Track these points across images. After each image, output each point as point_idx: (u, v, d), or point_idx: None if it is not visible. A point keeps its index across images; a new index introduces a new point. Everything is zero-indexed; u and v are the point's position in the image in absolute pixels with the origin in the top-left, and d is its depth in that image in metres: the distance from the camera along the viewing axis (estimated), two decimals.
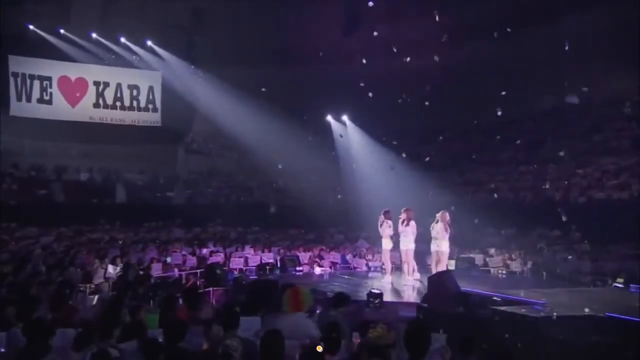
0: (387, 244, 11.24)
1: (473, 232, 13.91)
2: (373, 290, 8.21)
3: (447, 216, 10.80)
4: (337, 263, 12.98)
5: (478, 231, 14.35)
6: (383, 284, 10.70)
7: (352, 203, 18.71)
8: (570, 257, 11.28)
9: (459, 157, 19.86)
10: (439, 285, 7.96)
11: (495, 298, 7.91)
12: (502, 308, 7.11)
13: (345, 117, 22.15)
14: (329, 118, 22.33)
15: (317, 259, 12.78)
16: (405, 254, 11.08)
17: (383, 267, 12.04)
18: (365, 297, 8.10)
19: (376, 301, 7.90)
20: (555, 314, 6.52)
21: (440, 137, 20.56)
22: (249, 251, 12.72)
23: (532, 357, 5.09)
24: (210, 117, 21.14)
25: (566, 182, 15.37)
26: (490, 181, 17.95)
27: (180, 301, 5.68)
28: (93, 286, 8.92)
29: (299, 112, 20.48)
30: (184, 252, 12.11)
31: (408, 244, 10.97)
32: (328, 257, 13.34)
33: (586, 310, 6.85)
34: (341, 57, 20.94)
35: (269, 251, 12.84)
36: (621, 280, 8.80)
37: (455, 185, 18.06)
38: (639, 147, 15.40)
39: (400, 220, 11.09)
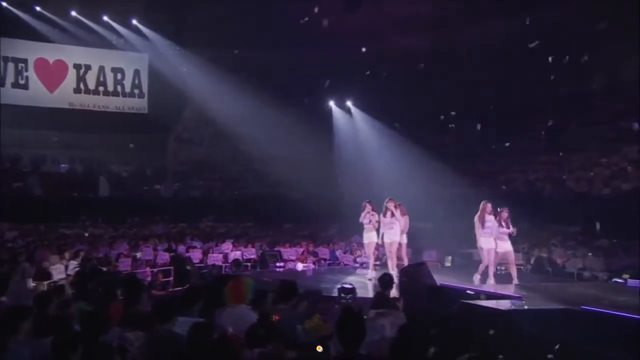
0: (371, 237, 11.09)
1: None
2: (345, 286, 8.18)
3: (487, 207, 10.18)
4: (325, 259, 13.00)
5: None
6: (364, 280, 10.64)
7: (352, 196, 18.80)
8: (575, 252, 11.21)
9: (474, 145, 19.68)
10: (410, 279, 8.03)
11: (468, 292, 8.17)
12: (472, 302, 7.30)
13: (349, 103, 22.14)
14: (332, 104, 22.29)
15: (302, 255, 12.83)
16: (390, 247, 10.89)
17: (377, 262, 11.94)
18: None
19: (348, 297, 7.87)
20: (526, 306, 6.68)
21: (453, 125, 20.45)
22: (228, 247, 12.78)
23: (501, 351, 5.11)
24: (202, 103, 21.11)
25: (591, 173, 15.16)
26: (506, 171, 17.78)
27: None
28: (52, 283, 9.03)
29: (299, 98, 20.42)
30: (159, 248, 12.20)
31: (393, 236, 10.80)
32: (318, 253, 13.36)
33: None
34: (345, 36, 20.86)
35: (252, 247, 12.91)
36: (627, 276, 8.80)
37: (469, 176, 17.90)
38: None
39: (383, 212, 10.90)
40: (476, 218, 10.18)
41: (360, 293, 8.94)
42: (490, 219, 10.08)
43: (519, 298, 7.86)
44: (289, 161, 21.16)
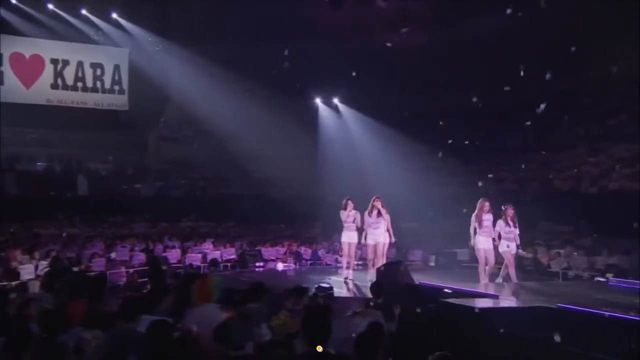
0: (352, 237, 10.82)
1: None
2: (322, 284, 8.19)
3: (485, 205, 10.04)
4: (307, 259, 12.98)
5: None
6: (342, 280, 10.62)
7: (338, 195, 18.80)
8: (562, 252, 11.32)
9: (462, 143, 19.68)
10: (388, 278, 8.02)
11: (446, 290, 8.17)
12: (449, 300, 7.38)
13: (336, 100, 22.14)
14: (318, 101, 22.26)
15: (283, 255, 12.83)
16: (374, 248, 10.64)
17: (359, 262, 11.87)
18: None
19: (327, 295, 7.87)
20: (502, 304, 6.74)
21: (441, 122, 20.46)
22: (207, 246, 12.73)
23: (474, 348, 5.18)
24: (185, 100, 21.05)
25: (575, 171, 15.27)
26: (494, 170, 17.86)
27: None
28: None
29: (286, 95, 20.27)
30: (137, 248, 12.11)
31: (378, 237, 10.61)
32: (301, 252, 13.35)
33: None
34: (332, 33, 20.86)
35: (232, 246, 12.88)
36: (610, 275, 8.91)
37: (457, 176, 17.92)
38: None
39: (369, 211, 10.63)
40: (473, 216, 10.00)
41: (342, 293, 9.00)
42: (488, 218, 9.91)
43: (495, 296, 7.94)
44: (274, 160, 21.18)
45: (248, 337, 4.47)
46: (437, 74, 19.67)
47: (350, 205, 11.02)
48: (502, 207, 10.05)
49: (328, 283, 8.58)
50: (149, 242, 12.98)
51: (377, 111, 20.29)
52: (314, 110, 22.28)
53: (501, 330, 5.98)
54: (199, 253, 12.23)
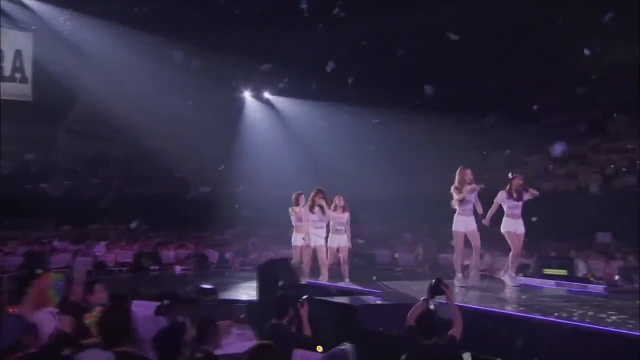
0: (317, 240, 9.56)
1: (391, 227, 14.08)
2: (203, 286, 8.10)
3: (467, 173, 8.62)
4: (213, 262, 12.90)
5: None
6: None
7: (263, 196, 18.61)
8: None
9: (395, 141, 19.91)
10: (268, 278, 7.95)
11: (333, 289, 8.22)
12: (323, 298, 7.44)
13: (267, 94, 22.00)
14: (246, 94, 22.07)
15: (185, 259, 12.72)
16: (342, 251, 9.65)
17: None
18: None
19: (208, 298, 7.77)
20: (378, 302, 7.13)
21: (377, 120, 20.63)
22: (99, 249, 12.46)
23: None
24: (100, 90, 20.50)
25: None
26: (429, 171, 18.08)
27: None
28: None
29: (214, 86, 19.97)
30: (18, 251, 11.68)
31: (342, 240, 9.56)
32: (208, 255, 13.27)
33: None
34: (267, 20, 20.58)
35: (129, 249, 12.70)
36: (521, 274, 9.11)
37: (388, 176, 18.07)
38: (595, 131, 15.84)
39: (333, 207, 9.57)
40: (452, 189, 8.68)
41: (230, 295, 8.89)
42: (471, 191, 8.57)
43: (377, 294, 7.95)
44: (197, 158, 20.96)
45: None
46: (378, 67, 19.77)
47: (303, 200, 10.01)
48: (510, 175, 8.75)
49: (212, 285, 8.50)
50: (35, 246, 12.53)
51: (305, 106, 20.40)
52: (241, 104, 22.10)
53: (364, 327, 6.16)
54: (90, 257, 11.90)
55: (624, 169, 15.01)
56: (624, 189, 14.39)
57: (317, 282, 9.15)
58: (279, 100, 21.54)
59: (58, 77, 19.72)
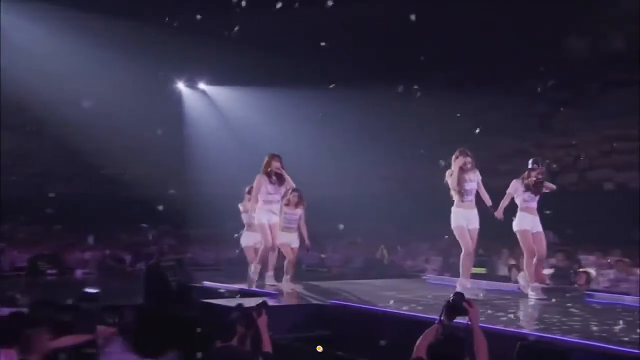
0: (271, 217, 8.87)
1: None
2: (87, 290, 7.56)
3: (467, 159, 7.95)
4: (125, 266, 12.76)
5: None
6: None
7: (199, 196, 18.66)
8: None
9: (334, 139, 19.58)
10: (155, 279, 7.91)
11: (220, 290, 8.12)
12: (211, 301, 7.37)
13: (202, 84, 21.49)
14: (180, 85, 21.47)
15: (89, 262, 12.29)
16: (293, 251, 9.26)
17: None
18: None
19: (89, 304, 7.24)
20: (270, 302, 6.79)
21: (321, 114, 20.27)
22: None
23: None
24: (19, 77, 19.61)
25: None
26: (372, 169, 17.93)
27: None
28: None
29: (151, 74, 19.53)
30: None
31: (292, 240, 9.22)
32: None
33: None
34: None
35: (27, 252, 12.24)
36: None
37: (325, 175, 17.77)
38: (544, 127, 15.77)
39: (285, 202, 9.04)
40: (449, 179, 7.97)
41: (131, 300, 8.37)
42: (472, 179, 7.97)
43: (274, 295, 7.87)
44: (129, 154, 20.41)
45: None
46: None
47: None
48: (530, 165, 7.85)
49: (97, 290, 8.00)
50: None
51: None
52: (177, 95, 21.61)
53: None
54: None
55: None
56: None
57: (215, 284, 9.01)
58: (214, 90, 21.05)
59: None
